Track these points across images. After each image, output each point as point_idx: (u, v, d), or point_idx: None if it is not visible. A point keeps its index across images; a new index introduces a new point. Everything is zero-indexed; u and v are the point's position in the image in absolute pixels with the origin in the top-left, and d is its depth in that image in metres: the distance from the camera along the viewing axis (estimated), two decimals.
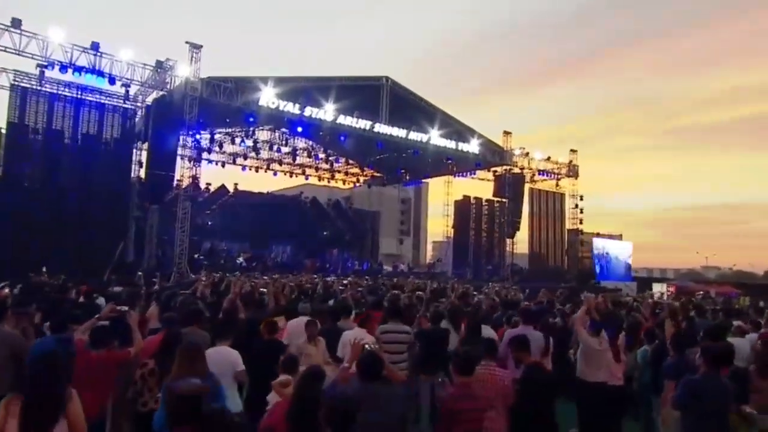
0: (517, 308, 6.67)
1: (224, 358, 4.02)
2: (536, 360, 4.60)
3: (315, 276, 17.07)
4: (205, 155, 26.75)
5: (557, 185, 30.24)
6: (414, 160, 28.19)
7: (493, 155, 27.12)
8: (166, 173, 17.32)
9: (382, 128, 22.73)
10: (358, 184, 34.99)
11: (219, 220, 27.10)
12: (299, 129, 22.00)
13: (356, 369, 3.41)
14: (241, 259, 25.21)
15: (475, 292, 10.63)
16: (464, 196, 31.28)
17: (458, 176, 30.62)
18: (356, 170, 32.34)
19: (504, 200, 28.04)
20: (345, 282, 13.12)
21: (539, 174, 28.84)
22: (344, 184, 34.29)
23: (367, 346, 3.81)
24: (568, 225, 30.49)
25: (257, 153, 26.61)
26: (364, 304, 7.29)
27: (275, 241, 30.24)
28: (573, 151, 30.04)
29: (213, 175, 34.43)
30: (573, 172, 29.71)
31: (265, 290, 8.56)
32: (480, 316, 6.20)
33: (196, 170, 18.95)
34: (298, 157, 28.27)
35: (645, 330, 5.90)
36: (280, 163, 28.96)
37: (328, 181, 33.69)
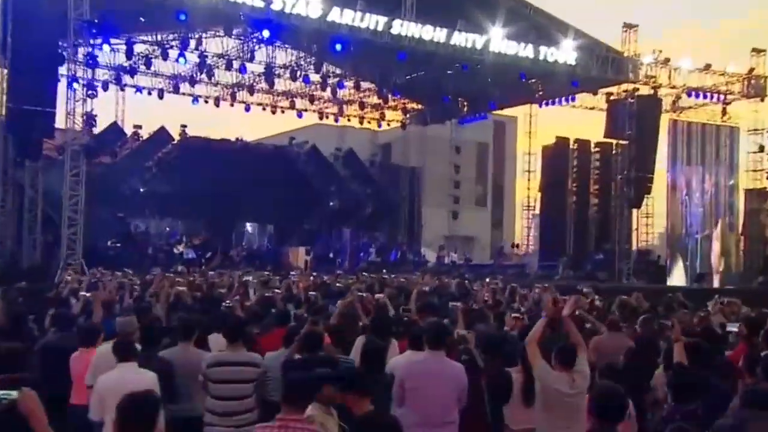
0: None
1: None
2: None
3: (311, 274, 17.33)
4: (127, 80, 26.67)
5: (724, 114, 28.59)
6: (466, 81, 27.20)
7: (604, 66, 25.55)
8: (42, 109, 16.99)
9: (405, 27, 21.57)
10: (383, 125, 34.55)
11: (156, 185, 27.22)
12: (266, 33, 21.16)
13: None
14: (181, 249, 25.14)
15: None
16: (557, 140, 30.33)
17: (545, 105, 29.92)
18: (375, 100, 31.47)
19: (624, 143, 27.11)
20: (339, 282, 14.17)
21: (690, 95, 27.83)
22: (361, 124, 33.94)
23: None
24: (745, 182, 29.06)
25: (209, 75, 26.10)
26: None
27: (248, 218, 30.34)
28: (757, 52, 27.82)
29: (149, 114, 34.50)
30: (755, 89, 27.69)
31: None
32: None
33: (90, 104, 18.37)
34: (277, 81, 27.57)
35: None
36: (251, 90, 28.52)
37: (336, 120, 33.37)
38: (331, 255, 29.31)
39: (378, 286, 13.24)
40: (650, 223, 30.99)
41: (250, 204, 29.13)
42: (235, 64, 25.13)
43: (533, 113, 30.70)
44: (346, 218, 32.44)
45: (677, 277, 27.02)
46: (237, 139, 30.02)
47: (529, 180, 31.34)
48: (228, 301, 9.38)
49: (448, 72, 26.44)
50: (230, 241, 28.86)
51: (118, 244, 23.76)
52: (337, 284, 13.90)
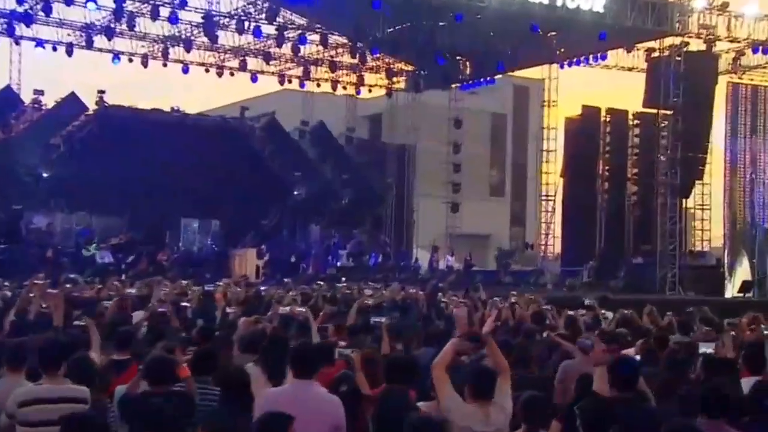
0: None
1: None
2: None
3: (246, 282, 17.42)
4: (23, 31, 26.38)
5: None
6: (465, 35, 27.09)
7: (642, 14, 25.34)
8: None
9: None
10: (363, 92, 34.87)
11: (65, 168, 26.92)
12: None
13: None
14: (92, 250, 25.02)
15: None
16: (584, 110, 30.44)
17: (567, 65, 30.26)
18: (350, 60, 31.21)
19: (669, 113, 26.92)
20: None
21: (756, 51, 28.21)
22: (334, 90, 34.27)
23: None
24: None
25: (130, 25, 25.76)
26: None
27: (187, 212, 30.18)
28: None
29: (55, 76, 34.20)
30: None
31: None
32: None
33: None
34: (220, 34, 27.31)
35: None
36: (188, 45, 28.25)
37: (301, 85, 33.30)
38: (293, 259, 29.10)
39: (322, 301, 13.06)
40: (706, 216, 30.98)
41: (190, 194, 29.13)
42: (164, 12, 24.82)
43: (552, 76, 30.84)
44: (314, 212, 32.52)
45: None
46: (173, 109, 29.92)
47: (547, 162, 31.56)
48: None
49: (441, 24, 26.24)
50: (163, 242, 28.61)
51: (3, 245, 23.53)
52: (274, 297, 13.64)
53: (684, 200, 28.40)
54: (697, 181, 28.38)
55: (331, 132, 34.39)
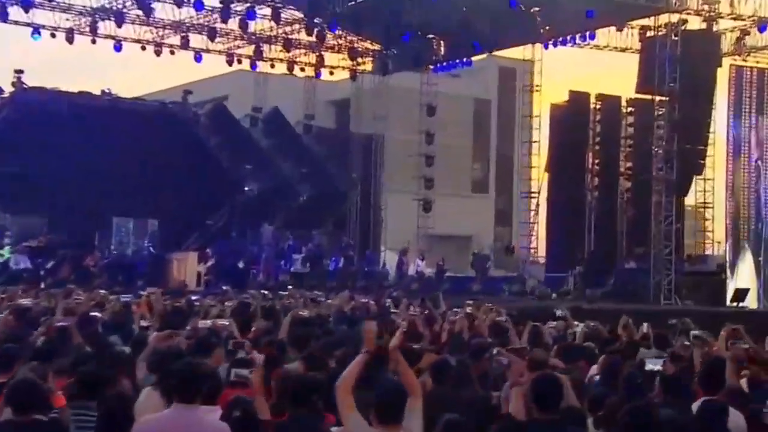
0: None
1: None
2: None
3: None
4: None
5: None
6: (435, 10, 27.40)
7: None
8: None
9: None
10: (324, 74, 34.88)
11: None
12: None
13: None
14: (5, 255, 25.18)
15: None
16: (572, 96, 30.81)
17: (552, 46, 30.50)
18: (307, 37, 31.08)
19: (664, 99, 27.07)
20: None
21: (762, 30, 28.22)
22: (290, 72, 34.24)
23: None
24: None
25: None
26: None
27: (120, 210, 30.20)
28: None
29: None
30: None
31: None
32: None
33: None
34: (156, 7, 27.19)
35: None
36: (119, 19, 27.97)
37: (252, 67, 33.29)
38: (241, 264, 29.06)
39: (261, 312, 13.03)
40: (708, 215, 31.25)
41: (124, 190, 29.04)
42: None
43: (536, 58, 31.20)
44: (268, 211, 32.60)
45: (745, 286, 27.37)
46: (104, 92, 29.79)
47: (531, 155, 31.85)
48: None
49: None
50: (91, 245, 28.58)
51: None
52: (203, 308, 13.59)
53: (682, 198, 28.65)
54: (696, 177, 28.68)
55: (287, 119, 34.38)
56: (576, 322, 13.63)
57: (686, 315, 20.95)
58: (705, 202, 30.73)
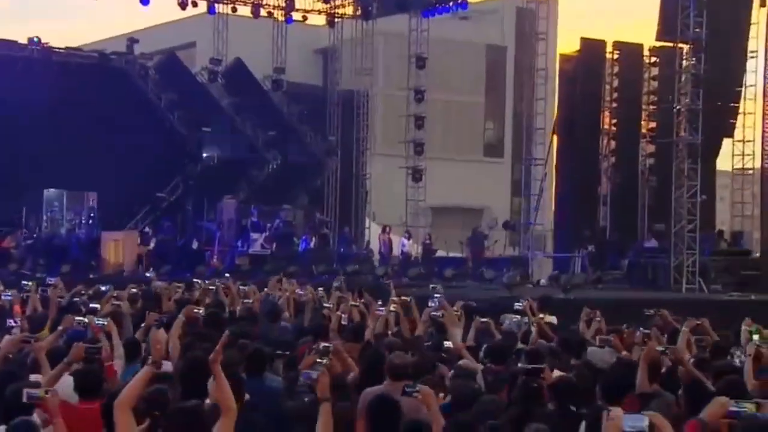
0: None
1: None
2: None
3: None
4: None
5: None
6: None
7: None
8: None
9: None
10: (295, 18, 34.65)
11: None
12: None
13: None
14: None
15: None
16: (584, 43, 30.96)
17: None
18: None
19: (684, 46, 27.16)
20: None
21: None
22: (256, 18, 33.85)
23: None
24: None
25: None
26: None
27: (53, 181, 30.50)
28: None
29: None
30: None
31: None
32: None
33: None
34: None
35: None
36: None
37: (210, 11, 33.43)
38: (194, 244, 29.33)
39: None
40: (747, 185, 31.23)
41: (57, 157, 29.14)
42: None
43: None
44: (229, 181, 32.88)
45: None
46: (31, 41, 29.95)
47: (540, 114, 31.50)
48: None
49: None
50: (18, 223, 28.74)
51: None
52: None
53: (711, 165, 28.76)
54: (726, 139, 28.48)
55: (252, 74, 34.38)
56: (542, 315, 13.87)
57: (708, 305, 21.40)
58: (743, 168, 30.77)
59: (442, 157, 44.29)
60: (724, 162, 31.26)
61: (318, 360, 7.57)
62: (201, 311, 11.57)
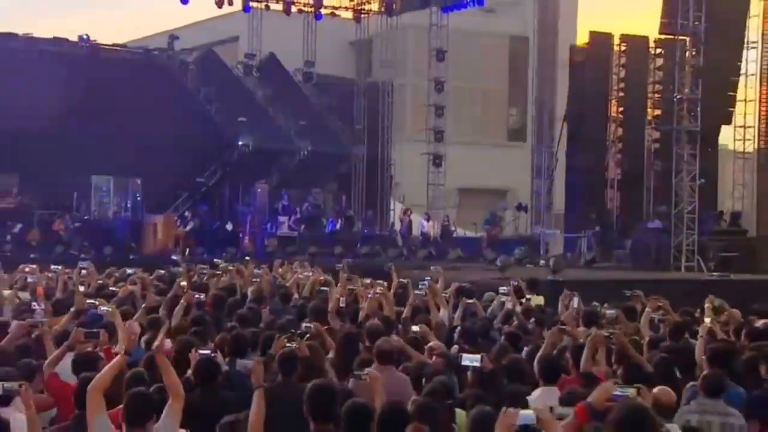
0: None
1: None
2: None
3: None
4: None
5: None
6: None
7: None
8: None
9: None
10: (324, 15, 34.60)
11: None
12: None
13: None
14: None
15: None
16: (591, 36, 31.07)
17: None
18: None
19: (685, 38, 27.31)
20: None
21: None
22: (288, 15, 33.98)
23: None
24: None
25: None
26: None
27: (100, 168, 30.22)
28: None
29: None
30: None
31: None
32: None
33: None
34: None
35: None
36: None
37: (245, 9, 33.54)
38: (229, 226, 29.48)
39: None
40: (747, 167, 31.15)
41: (104, 145, 28.93)
42: None
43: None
44: (264, 168, 32.85)
45: None
46: (81, 38, 30.13)
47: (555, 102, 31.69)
48: None
49: None
50: (69, 206, 28.93)
51: None
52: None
53: (713, 150, 28.64)
54: (725, 126, 28.33)
55: (284, 67, 34.50)
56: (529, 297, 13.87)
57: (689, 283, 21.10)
58: (744, 152, 30.66)
59: (469, 142, 44.66)
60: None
61: (287, 344, 7.51)
62: (202, 297, 11.51)
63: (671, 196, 27.01)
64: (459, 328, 10.61)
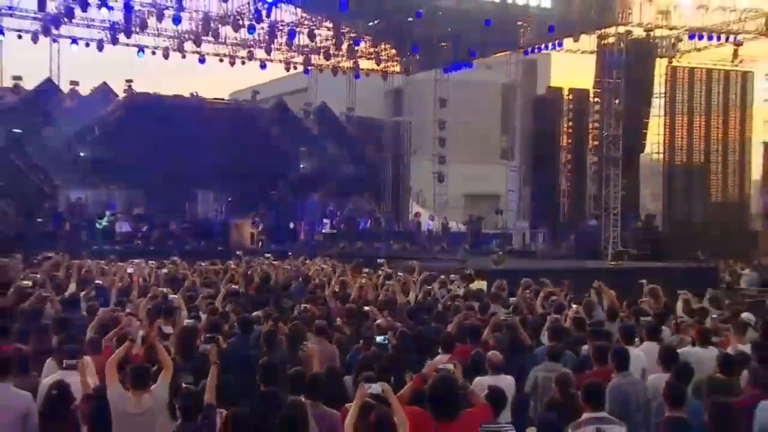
0: None
1: None
2: None
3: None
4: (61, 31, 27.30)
5: (735, 58, 28.74)
6: (437, 23, 27.74)
7: (587, 12, 25.26)
8: None
9: None
10: (362, 75, 34.82)
11: (99, 148, 28.09)
12: None
13: None
14: (104, 223, 25.86)
15: None
16: (548, 90, 31.69)
17: (531, 51, 31.42)
18: (345, 49, 31.55)
19: (610, 81, 26.99)
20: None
21: (692, 38, 28.02)
22: (335, 75, 34.33)
23: None
24: (761, 135, 29.67)
25: (143, 27, 26.63)
26: None
27: (202, 185, 30.99)
28: None
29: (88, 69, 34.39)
30: None
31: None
32: None
33: None
34: (221, 31, 28.07)
35: None
36: (197, 40, 28.89)
37: (305, 72, 33.78)
38: (291, 225, 29.94)
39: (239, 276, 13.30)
40: (646, 187, 31.24)
41: (207, 169, 29.37)
42: (168, 15, 25.67)
43: (524, 59, 32.63)
44: (317, 184, 33.14)
45: None
46: (192, 95, 31.06)
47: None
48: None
49: (409, 19, 26.89)
50: (183, 213, 29.69)
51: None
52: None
53: (633, 169, 28.80)
54: (638, 153, 28.91)
55: (333, 111, 34.96)
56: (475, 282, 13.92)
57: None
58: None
59: (473, 161, 44.97)
60: None
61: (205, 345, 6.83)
62: (238, 287, 11.49)
63: (602, 203, 27.36)
64: (407, 309, 10.33)
